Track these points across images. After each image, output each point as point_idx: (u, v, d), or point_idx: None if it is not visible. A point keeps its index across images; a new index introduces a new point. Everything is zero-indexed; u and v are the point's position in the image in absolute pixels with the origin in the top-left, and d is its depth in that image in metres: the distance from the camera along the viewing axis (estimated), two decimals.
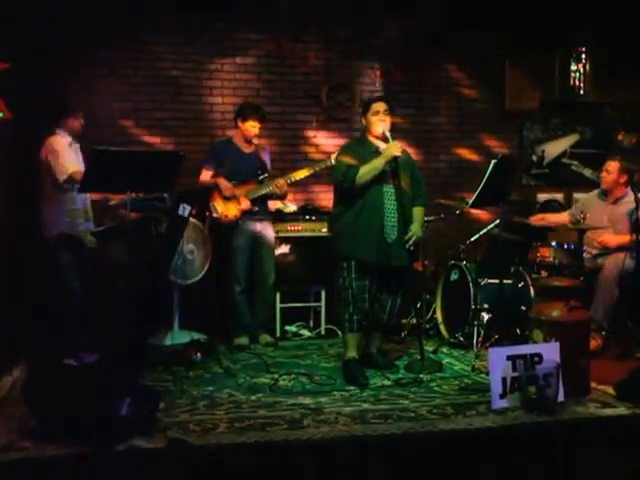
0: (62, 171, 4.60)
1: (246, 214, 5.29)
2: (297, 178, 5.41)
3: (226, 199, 5.27)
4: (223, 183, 5.27)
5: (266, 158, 5.51)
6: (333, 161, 4.77)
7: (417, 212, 4.58)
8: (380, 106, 4.53)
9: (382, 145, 4.49)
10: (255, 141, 5.43)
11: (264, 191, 5.33)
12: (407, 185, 4.51)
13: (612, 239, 5.17)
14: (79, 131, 4.82)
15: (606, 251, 5.18)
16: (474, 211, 6.15)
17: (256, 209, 5.32)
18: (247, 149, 5.41)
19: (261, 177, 5.35)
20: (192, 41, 6.11)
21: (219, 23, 6.13)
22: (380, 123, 4.49)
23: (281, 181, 5.34)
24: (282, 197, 5.56)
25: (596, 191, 5.56)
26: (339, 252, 4.51)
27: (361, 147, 4.56)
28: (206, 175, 5.33)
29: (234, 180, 5.29)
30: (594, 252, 5.26)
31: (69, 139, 4.77)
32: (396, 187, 4.42)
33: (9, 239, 5.00)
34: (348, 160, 4.44)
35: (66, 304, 4.66)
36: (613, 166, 5.33)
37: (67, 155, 4.66)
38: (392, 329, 5.01)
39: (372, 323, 4.56)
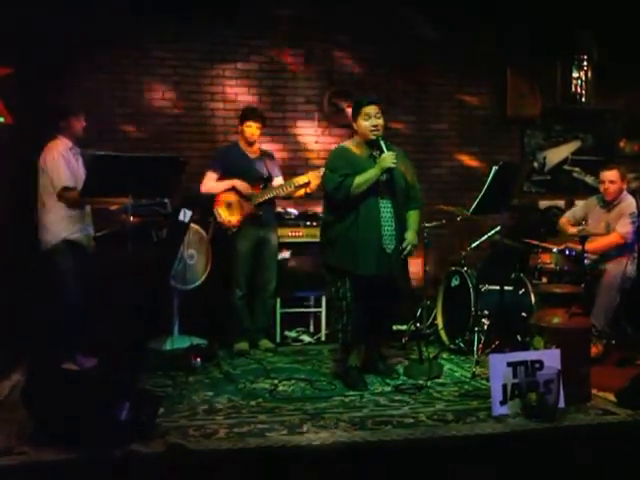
0: (56, 184, 4.60)
1: (250, 219, 5.29)
2: (300, 182, 5.36)
3: (230, 204, 5.27)
4: (238, 183, 5.25)
5: (273, 163, 5.52)
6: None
7: (412, 217, 4.45)
8: (372, 109, 4.27)
9: (375, 151, 4.32)
10: (256, 144, 5.43)
11: (268, 196, 5.33)
12: (410, 176, 4.43)
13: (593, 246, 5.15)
14: (80, 133, 4.80)
15: (605, 258, 5.18)
16: (475, 217, 6.13)
17: (260, 213, 5.31)
18: (252, 154, 5.41)
19: (265, 182, 5.36)
20: (193, 47, 6.12)
21: (220, 29, 6.14)
22: (373, 129, 4.27)
23: (285, 187, 5.33)
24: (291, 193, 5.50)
25: (594, 197, 5.54)
26: (334, 264, 4.37)
27: (353, 153, 4.36)
28: (211, 178, 5.32)
29: None
30: (593, 257, 5.25)
31: (69, 144, 4.75)
32: (392, 196, 4.29)
33: (9, 242, 5.00)
34: (340, 169, 4.25)
35: (66, 308, 4.65)
36: (615, 175, 5.28)
37: (64, 166, 4.62)
38: (386, 337, 4.97)
39: (367, 332, 4.47)
